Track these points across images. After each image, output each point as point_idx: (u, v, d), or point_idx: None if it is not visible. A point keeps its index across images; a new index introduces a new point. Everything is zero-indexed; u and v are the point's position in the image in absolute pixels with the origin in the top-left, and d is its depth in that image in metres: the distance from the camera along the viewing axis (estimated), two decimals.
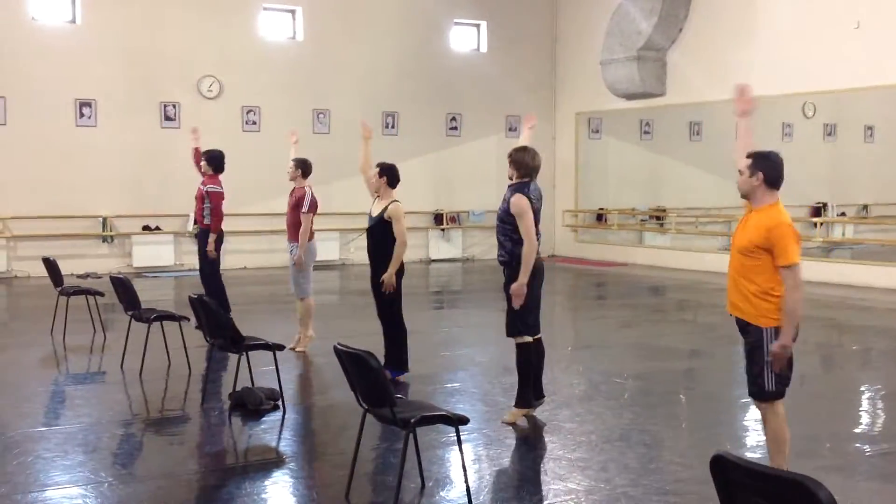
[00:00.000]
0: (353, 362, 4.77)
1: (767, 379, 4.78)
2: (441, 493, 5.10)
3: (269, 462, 5.79)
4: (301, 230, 8.88)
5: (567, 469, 5.57)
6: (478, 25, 19.51)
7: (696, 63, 17.20)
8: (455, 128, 19.25)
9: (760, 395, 4.85)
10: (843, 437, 6.45)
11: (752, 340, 4.84)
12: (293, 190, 9.13)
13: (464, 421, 4.84)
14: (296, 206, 8.97)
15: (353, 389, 4.92)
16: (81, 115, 15.96)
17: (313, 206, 8.95)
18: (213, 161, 10.11)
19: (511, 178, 6.43)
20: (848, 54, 14.55)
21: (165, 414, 7.05)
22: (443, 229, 19.08)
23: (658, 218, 19.90)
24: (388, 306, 7.76)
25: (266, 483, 5.36)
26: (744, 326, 4.90)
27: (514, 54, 19.62)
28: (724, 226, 19.06)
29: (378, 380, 4.67)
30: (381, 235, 7.68)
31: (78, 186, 15.91)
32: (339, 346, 4.87)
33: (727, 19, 16.64)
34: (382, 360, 7.59)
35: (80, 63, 15.88)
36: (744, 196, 4.87)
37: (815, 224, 17.79)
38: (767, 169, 4.79)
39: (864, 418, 7.27)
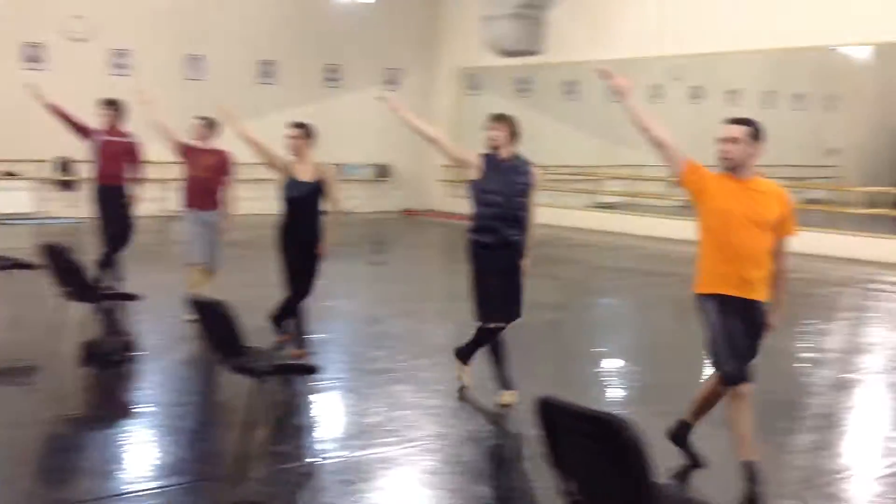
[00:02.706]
0: (206, 312, 4.81)
1: None
2: (291, 442, 5.22)
3: (122, 411, 5.79)
4: (232, 196, 8.23)
5: (419, 415, 5.77)
6: None
7: (573, 23, 17.51)
8: (334, 79, 19.11)
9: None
10: (690, 385, 6.83)
11: (762, 319, 4.56)
12: (197, 150, 8.19)
13: (313, 370, 4.96)
14: (217, 169, 8.13)
15: (207, 340, 4.97)
16: None
17: None
18: (124, 111, 9.12)
19: (497, 148, 5.83)
20: (716, 19, 15.09)
21: (16, 363, 6.90)
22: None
23: None
24: (314, 272, 6.98)
25: (118, 432, 5.36)
26: (752, 306, 4.52)
27: (397, 6, 19.53)
28: (594, 184, 19.61)
29: (231, 329, 4.72)
30: (313, 201, 6.86)
31: None
32: (195, 298, 4.90)
33: None
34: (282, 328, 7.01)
35: None
36: (732, 167, 4.46)
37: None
38: (763, 140, 4.49)
39: (710, 369, 7.70)
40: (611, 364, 7.39)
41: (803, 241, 14.54)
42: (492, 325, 5.90)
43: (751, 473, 4.42)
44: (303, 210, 6.81)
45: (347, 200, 18.95)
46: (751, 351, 4.55)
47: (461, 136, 20.06)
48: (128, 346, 6.75)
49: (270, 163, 6.90)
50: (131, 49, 16.74)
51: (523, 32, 17.91)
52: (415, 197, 20.18)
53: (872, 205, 15.89)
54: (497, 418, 5.76)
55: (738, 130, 4.42)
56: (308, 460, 4.93)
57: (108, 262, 9.04)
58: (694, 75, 20.75)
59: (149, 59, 16.76)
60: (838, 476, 4.94)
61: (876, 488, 4.78)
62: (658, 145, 4.57)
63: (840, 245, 13.53)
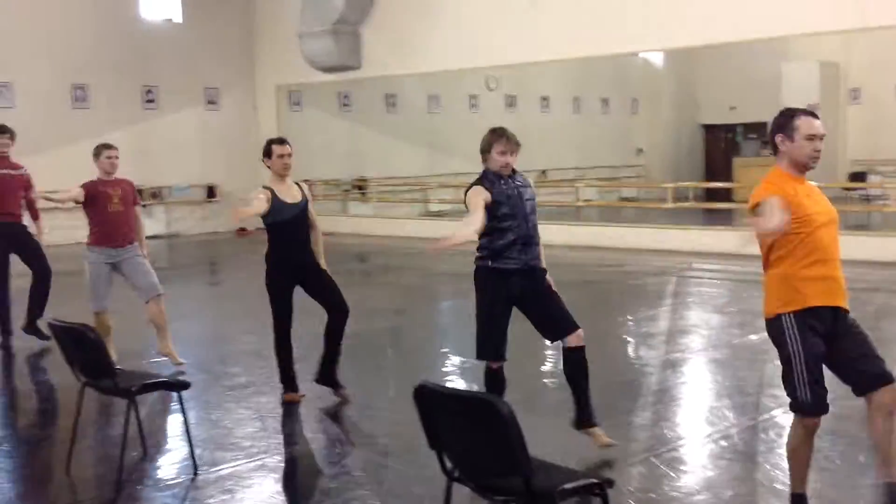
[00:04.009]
0: (70, 336, 4.80)
1: None
2: (164, 458, 5.27)
3: None
4: (142, 224, 7.76)
5: (286, 424, 5.93)
6: None
7: (387, 38, 17.89)
8: (152, 100, 18.73)
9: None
10: (527, 374, 7.27)
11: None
12: (102, 182, 7.42)
13: (185, 385, 5.03)
14: (133, 200, 7.58)
15: (71, 364, 4.95)
16: None
17: None
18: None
19: (507, 164, 5.18)
20: (524, 31, 15.84)
21: None
22: (144, 205, 18.52)
23: (360, 187, 20.58)
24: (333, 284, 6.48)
25: None
26: (840, 317, 4.04)
27: (212, 25, 19.35)
28: (422, 193, 20.10)
29: (97, 351, 4.73)
30: (307, 220, 6.37)
31: None
32: (54, 322, 4.87)
33: None
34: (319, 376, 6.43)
35: None
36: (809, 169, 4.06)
37: None
38: None
39: (549, 358, 8.20)
40: (455, 361, 7.73)
41: (621, 236, 15.37)
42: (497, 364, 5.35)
43: None
44: (297, 231, 6.31)
45: (174, 223, 18.86)
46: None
47: None
48: None
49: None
50: None
51: (340, 48, 18.14)
52: None
53: (677, 199, 17.09)
54: (360, 420, 5.98)
55: (821, 125, 4.02)
56: (186, 475, 4.98)
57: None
58: (508, 84, 21.65)
59: None
60: (677, 443, 5.45)
61: (709, 450, 5.31)
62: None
63: (655, 238, 14.54)
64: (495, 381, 5.36)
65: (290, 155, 6.29)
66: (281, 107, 19.98)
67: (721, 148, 24.91)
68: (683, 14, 14.24)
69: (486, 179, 5.17)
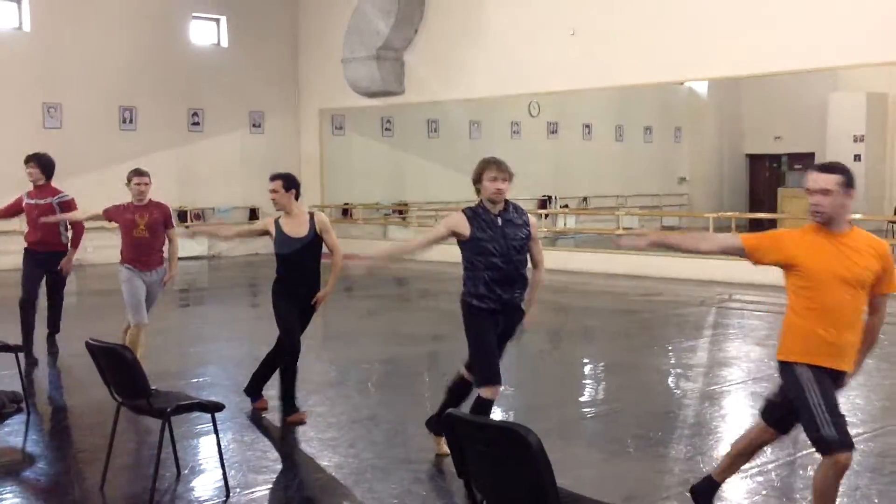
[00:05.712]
0: (107, 356, 4.85)
1: None
2: (197, 480, 5.28)
3: (16, 463, 5.70)
4: (175, 246, 7.84)
5: (318, 448, 5.92)
6: (217, 20, 19.35)
7: (431, 64, 18.02)
8: (197, 123, 19.00)
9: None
10: (565, 403, 7.22)
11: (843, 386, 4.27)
12: (131, 208, 7.59)
13: (219, 407, 5.05)
14: (163, 223, 7.68)
15: (107, 384, 5.00)
16: None
17: None
18: (49, 166, 8.46)
19: (500, 191, 5.19)
20: (566, 58, 15.86)
21: None
22: (187, 226, 18.77)
23: (400, 212, 20.65)
24: (304, 325, 6.72)
25: (13, 483, 5.29)
26: (840, 378, 4.20)
27: (256, 50, 19.64)
28: None
29: (133, 372, 4.78)
30: (314, 254, 6.49)
31: None
32: (91, 342, 4.93)
33: (457, 23, 17.56)
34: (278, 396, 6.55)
35: None
36: (827, 221, 4.02)
37: (543, 216, 19.26)
38: (854, 184, 4.01)
39: (586, 387, 8.14)
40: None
41: (665, 265, 15.17)
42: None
43: None
44: (297, 264, 6.42)
45: (216, 244, 19.05)
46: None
47: (329, 176, 20.30)
48: (16, 398, 6.60)
49: (260, 234, 6.69)
50: None
51: (384, 74, 18.30)
52: None
53: (720, 229, 16.90)
54: (391, 446, 5.96)
55: (830, 180, 3.96)
56: (219, 497, 4.99)
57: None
58: (550, 111, 21.66)
59: (4, 108, 16.30)
60: None
61: (748, 485, 5.21)
62: (717, 252, 4.45)
63: (697, 268, 14.37)
64: (462, 391, 5.54)
65: (273, 191, 6.43)
66: (324, 131, 20.17)
67: (765, 178, 24.66)
68: (729, 44, 14.15)
69: (469, 209, 5.24)
